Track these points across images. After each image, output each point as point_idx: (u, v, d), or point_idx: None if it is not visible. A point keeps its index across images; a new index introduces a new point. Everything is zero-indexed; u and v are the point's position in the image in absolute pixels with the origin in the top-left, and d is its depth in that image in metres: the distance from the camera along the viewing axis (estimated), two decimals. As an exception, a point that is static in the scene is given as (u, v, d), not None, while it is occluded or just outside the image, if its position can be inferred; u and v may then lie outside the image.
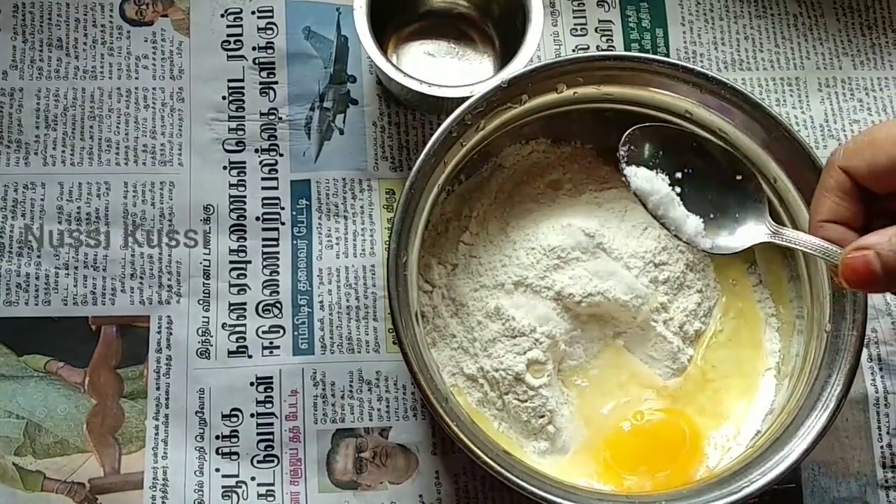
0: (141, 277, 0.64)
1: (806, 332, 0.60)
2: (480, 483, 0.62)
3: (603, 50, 0.71)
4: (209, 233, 0.65)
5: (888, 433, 0.64)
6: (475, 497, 0.62)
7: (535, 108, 0.60)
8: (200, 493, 0.61)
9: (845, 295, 0.56)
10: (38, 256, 0.64)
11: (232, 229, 0.66)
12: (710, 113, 0.60)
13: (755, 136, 0.59)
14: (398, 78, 0.63)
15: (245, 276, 0.65)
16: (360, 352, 0.64)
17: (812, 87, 0.71)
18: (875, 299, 0.66)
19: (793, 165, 0.59)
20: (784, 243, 0.53)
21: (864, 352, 0.65)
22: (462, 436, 0.53)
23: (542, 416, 0.58)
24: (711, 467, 0.58)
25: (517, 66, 0.62)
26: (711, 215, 0.55)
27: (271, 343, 0.64)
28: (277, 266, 0.65)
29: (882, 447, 0.64)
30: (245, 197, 0.66)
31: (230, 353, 0.63)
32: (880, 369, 0.65)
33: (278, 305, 0.64)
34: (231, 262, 0.65)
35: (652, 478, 0.58)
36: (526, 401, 0.58)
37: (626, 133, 0.55)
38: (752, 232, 0.54)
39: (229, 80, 0.69)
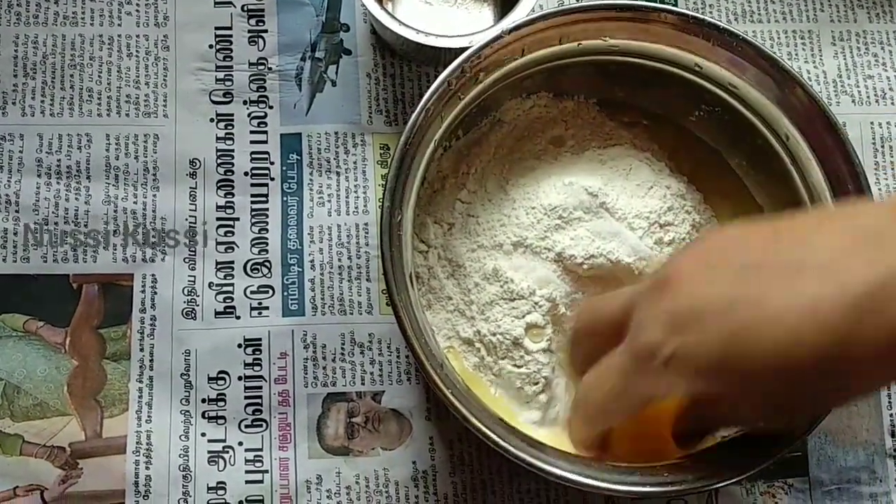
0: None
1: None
2: (476, 450, 0.60)
3: (608, 0, 0.67)
4: (195, 188, 0.63)
5: (897, 401, 0.62)
6: (470, 464, 0.60)
7: (536, 60, 0.58)
8: (186, 458, 0.59)
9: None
10: (17, 212, 0.61)
11: (219, 185, 0.63)
12: (721, 67, 0.57)
13: (768, 91, 0.57)
14: (393, 27, 0.60)
15: (233, 233, 0.62)
16: (352, 313, 0.61)
17: (825, 40, 0.69)
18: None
19: (806, 122, 0.56)
20: None
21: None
22: (457, 403, 0.51)
23: (535, 384, 0.56)
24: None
25: (518, 15, 0.59)
26: None
27: (260, 304, 0.61)
28: (267, 223, 0.63)
29: (892, 415, 0.62)
30: (233, 151, 0.64)
31: (217, 313, 0.61)
32: (891, 335, 0.63)
33: (267, 264, 0.62)
34: (218, 218, 0.63)
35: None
36: (521, 366, 0.56)
37: None
38: None
39: (216, 28, 0.66)
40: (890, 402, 0.62)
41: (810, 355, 0.40)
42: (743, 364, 0.42)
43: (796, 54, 0.68)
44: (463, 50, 0.56)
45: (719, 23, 0.56)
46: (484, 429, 0.51)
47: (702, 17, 0.56)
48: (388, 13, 0.61)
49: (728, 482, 0.51)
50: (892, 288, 0.38)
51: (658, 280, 0.46)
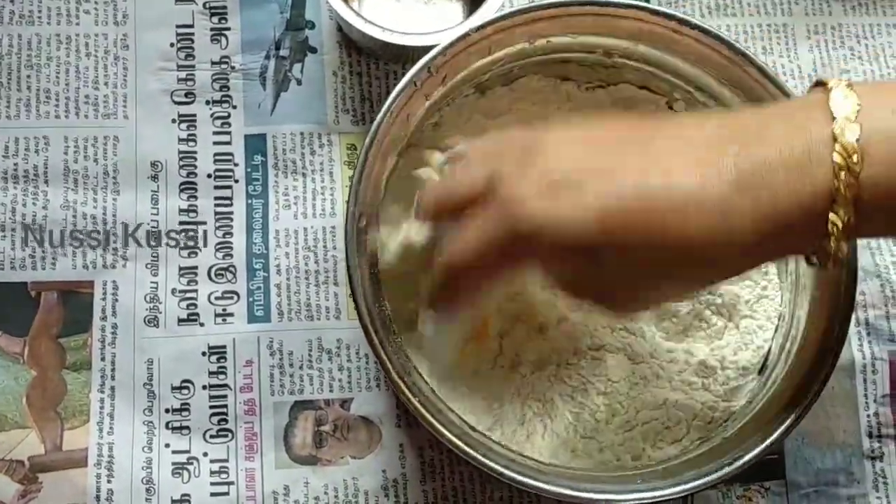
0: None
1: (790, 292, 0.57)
2: (447, 457, 0.58)
3: (580, -6, 0.66)
4: (157, 191, 0.61)
5: (875, 401, 0.61)
6: (441, 471, 0.58)
7: (504, 58, 0.56)
8: (149, 470, 0.57)
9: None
10: (-28, 217, 0.60)
11: (182, 187, 0.61)
12: (690, 63, 0.56)
13: (739, 87, 0.55)
14: (358, 25, 0.58)
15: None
16: (319, 319, 0.60)
17: (800, 34, 0.67)
18: (863, 260, 0.62)
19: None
20: None
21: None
22: (425, 412, 0.50)
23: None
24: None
25: (486, 12, 0.57)
26: None
27: (224, 310, 0.60)
28: (231, 227, 0.61)
29: (868, 415, 0.61)
30: (196, 153, 0.62)
31: (180, 320, 0.59)
32: (868, 334, 0.62)
33: (232, 269, 0.60)
34: (181, 222, 0.61)
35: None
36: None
37: None
38: None
39: (178, 26, 0.64)
40: (867, 403, 0.61)
41: (691, 235, 0.41)
42: (616, 241, 0.42)
43: (771, 48, 0.67)
44: (431, 48, 0.54)
45: (689, 18, 0.55)
46: (451, 437, 0.49)
47: (671, 12, 0.55)
48: (353, 10, 0.59)
49: (702, 488, 0.50)
50: (758, 176, 0.40)
51: (523, 145, 0.45)
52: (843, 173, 0.39)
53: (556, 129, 0.46)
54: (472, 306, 0.49)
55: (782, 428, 0.51)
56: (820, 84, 0.42)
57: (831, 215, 0.40)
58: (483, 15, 0.57)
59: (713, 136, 0.42)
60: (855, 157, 0.39)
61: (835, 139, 0.39)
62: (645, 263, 0.42)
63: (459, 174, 0.48)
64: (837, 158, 0.39)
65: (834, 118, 0.40)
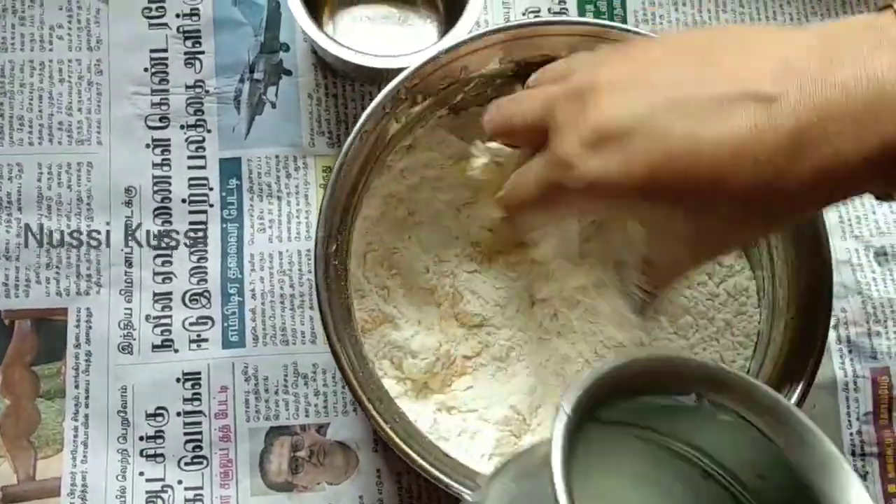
0: (57, 267, 0.60)
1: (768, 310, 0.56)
2: (424, 482, 0.58)
3: (555, 13, 0.66)
4: (131, 217, 0.61)
5: (858, 419, 0.60)
6: (418, 497, 0.58)
7: (477, 78, 0.56)
8: (123, 498, 0.56)
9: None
10: (-55, 245, 0.59)
11: (156, 212, 0.61)
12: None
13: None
14: (329, 47, 0.58)
15: (171, 263, 0.60)
16: (294, 343, 0.60)
17: (779, 49, 0.67)
18: (844, 276, 0.62)
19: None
20: None
21: (832, 333, 0.61)
22: (397, 438, 0.49)
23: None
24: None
25: (457, 34, 0.57)
26: None
27: (199, 336, 0.59)
28: (206, 252, 0.61)
29: (851, 434, 0.60)
30: (170, 177, 0.62)
31: (154, 347, 0.59)
32: (849, 352, 0.61)
33: (206, 295, 0.60)
34: (155, 248, 0.61)
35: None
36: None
37: None
38: None
39: (151, 51, 0.64)
40: (850, 422, 0.60)
41: (744, 188, 0.40)
42: (668, 195, 0.42)
43: (749, 65, 0.66)
44: (404, 69, 0.54)
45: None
46: (424, 464, 0.49)
47: (643, 31, 0.55)
48: (325, 33, 0.59)
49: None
50: (820, 127, 0.38)
51: (577, 87, 0.44)
52: None
53: (613, 63, 0.45)
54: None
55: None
56: (888, 7, 0.39)
57: None
58: (455, 36, 0.57)
59: (776, 63, 0.39)
60: None
61: None
62: (701, 212, 0.42)
63: (517, 107, 0.48)
64: None
65: None
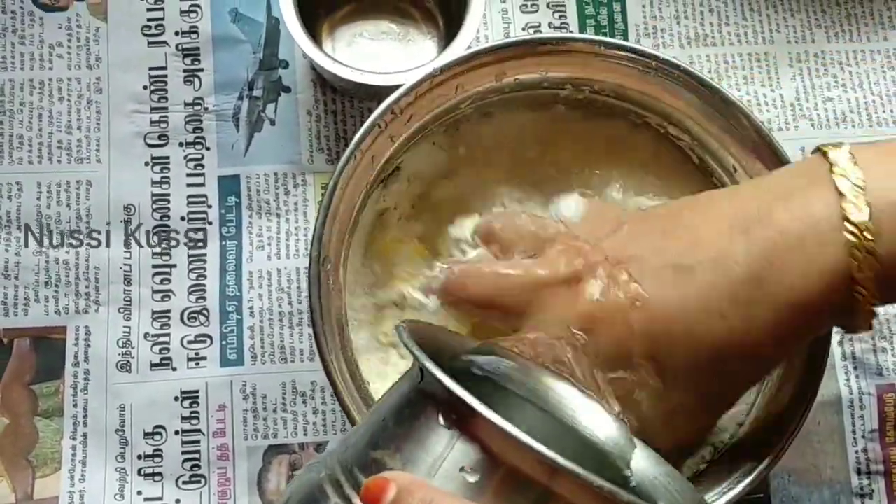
0: (56, 285, 0.60)
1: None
2: (423, 501, 0.57)
3: (555, 28, 0.65)
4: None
5: (863, 437, 0.60)
6: (417, 516, 0.57)
7: (472, 96, 0.55)
8: (121, 518, 0.57)
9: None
10: (-55, 264, 0.60)
11: (155, 230, 0.61)
12: (663, 98, 0.55)
13: (712, 121, 0.54)
14: (327, 65, 0.58)
15: (169, 281, 0.60)
16: (293, 361, 0.59)
17: (782, 62, 0.66)
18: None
19: (751, 152, 0.54)
20: None
21: (838, 350, 0.61)
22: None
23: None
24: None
25: (455, 51, 0.57)
26: None
27: (197, 354, 0.59)
28: (205, 269, 0.61)
29: (857, 452, 0.60)
30: (169, 195, 0.62)
31: (153, 365, 0.59)
32: (854, 368, 0.61)
33: (205, 313, 0.60)
34: (154, 266, 0.61)
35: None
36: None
37: None
38: None
39: (150, 69, 0.64)
40: (855, 440, 0.60)
41: (718, 342, 0.43)
42: (660, 365, 0.44)
43: (752, 78, 0.66)
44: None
45: (658, 53, 0.54)
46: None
47: (641, 48, 0.54)
48: (322, 51, 0.59)
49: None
50: (768, 270, 0.41)
51: (568, 279, 0.47)
52: (857, 252, 0.39)
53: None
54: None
55: (761, 467, 0.50)
56: (819, 151, 0.43)
57: (855, 294, 0.40)
58: (451, 53, 0.56)
59: (721, 223, 0.44)
60: (868, 234, 0.39)
61: (845, 218, 0.40)
62: (690, 369, 0.44)
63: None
64: (850, 238, 0.39)
65: (841, 194, 0.40)
